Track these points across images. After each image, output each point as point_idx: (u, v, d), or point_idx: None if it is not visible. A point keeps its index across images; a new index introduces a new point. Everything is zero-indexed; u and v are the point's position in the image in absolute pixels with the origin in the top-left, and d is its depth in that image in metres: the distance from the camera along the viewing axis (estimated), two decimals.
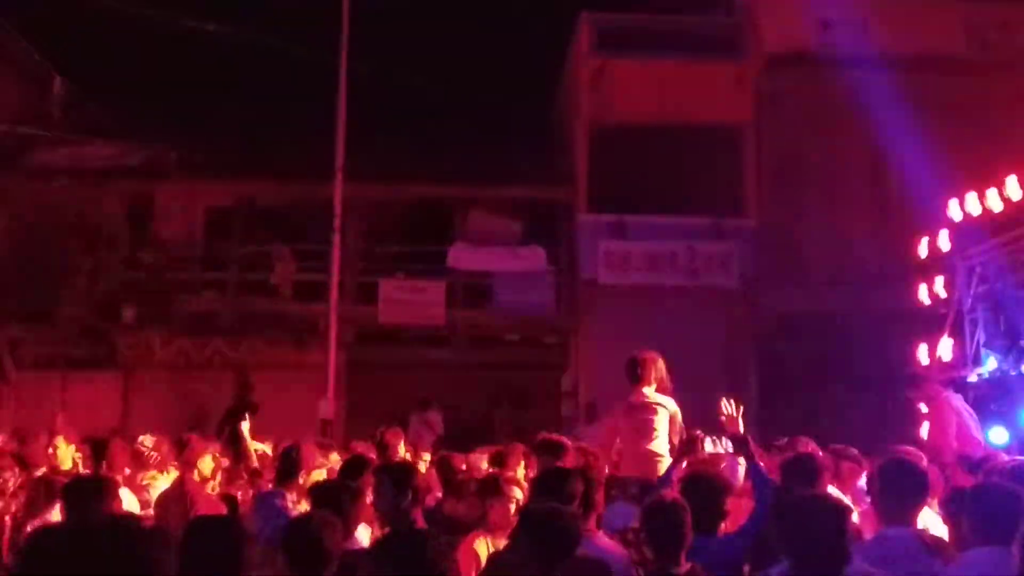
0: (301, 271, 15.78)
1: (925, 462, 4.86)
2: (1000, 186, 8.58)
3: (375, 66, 14.53)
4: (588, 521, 4.32)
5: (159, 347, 15.31)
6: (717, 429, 7.09)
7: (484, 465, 6.60)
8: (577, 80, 16.07)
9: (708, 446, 6.37)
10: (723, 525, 4.42)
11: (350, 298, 15.23)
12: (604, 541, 4.31)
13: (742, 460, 5.45)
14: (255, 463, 6.56)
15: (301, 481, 5.40)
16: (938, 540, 4.07)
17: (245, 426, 6.70)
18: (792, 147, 15.72)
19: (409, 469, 4.85)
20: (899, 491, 4.07)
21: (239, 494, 6.32)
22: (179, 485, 5.82)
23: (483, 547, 4.50)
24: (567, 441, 5.72)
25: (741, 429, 5.20)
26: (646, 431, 5.99)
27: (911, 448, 5.69)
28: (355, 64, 14.15)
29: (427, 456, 8.03)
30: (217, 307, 15.67)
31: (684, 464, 5.51)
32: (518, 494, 4.73)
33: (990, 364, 8.75)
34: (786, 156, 15.78)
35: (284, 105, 16.69)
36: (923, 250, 9.90)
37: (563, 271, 15.52)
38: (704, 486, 4.37)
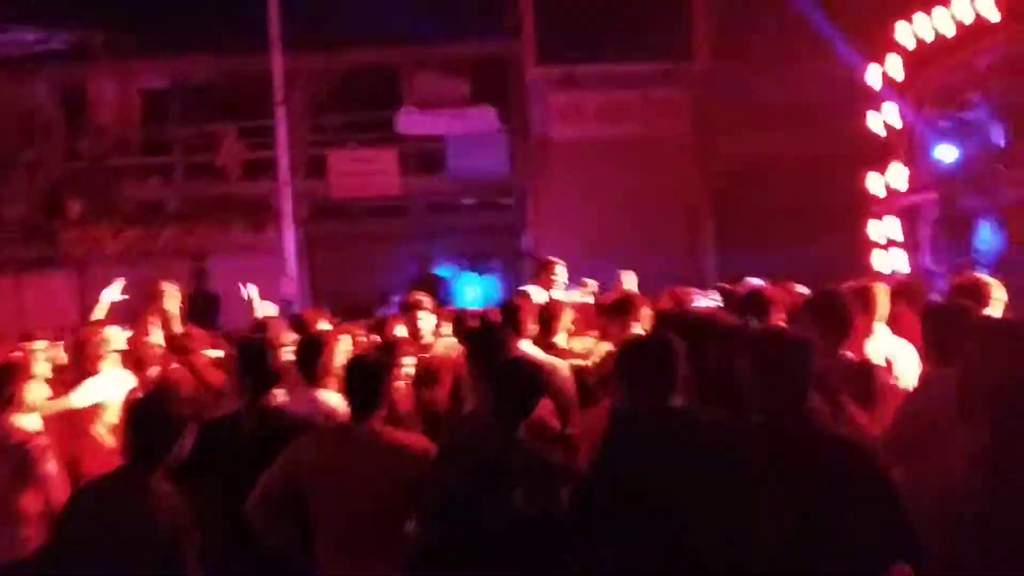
0: (248, 149, 15.38)
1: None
2: (948, 6, 8.39)
3: None
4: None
5: (109, 240, 14.98)
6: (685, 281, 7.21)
7: None
8: None
9: (698, 302, 6.39)
10: None
11: (300, 173, 14.91)
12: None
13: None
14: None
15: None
16: (866, 365, 4.22)
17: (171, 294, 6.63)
18: None
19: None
20: (824, 323, 4.21)
21: None
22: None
23: None
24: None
25: None
26: None
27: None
28: None
29: None
30: (164, 194, 15.31)
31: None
32: None
33: (942, 189, 8.80)
34: None
35: None
36: (873, 78, 9.77)
37: (515, 130, 15.24)
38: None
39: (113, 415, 5.22)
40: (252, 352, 4.52)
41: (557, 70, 14.92)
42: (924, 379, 4.06)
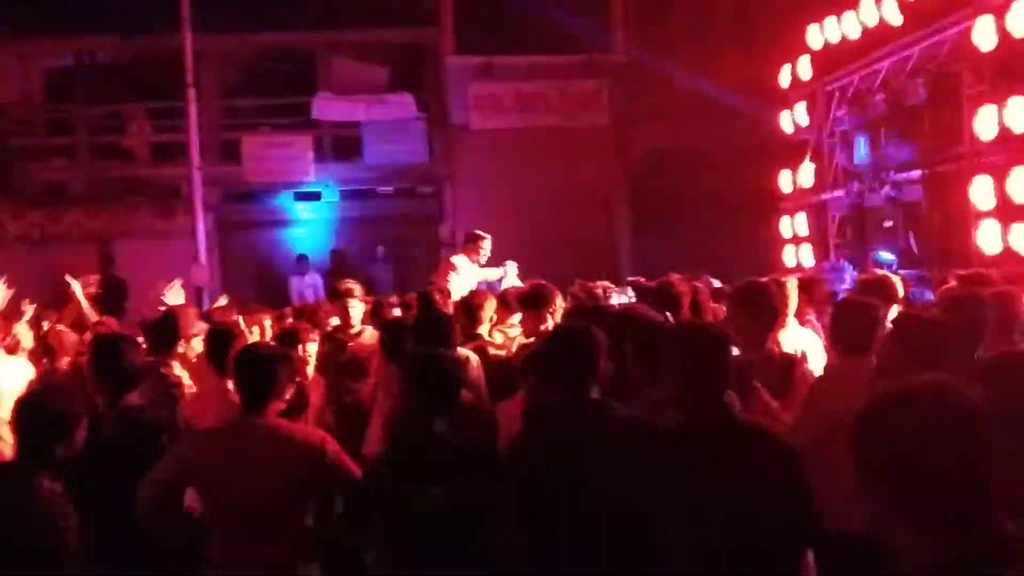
0: (157, 132, 14.94)
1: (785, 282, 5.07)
2: (857, 10, 8.69)
3: None
4: None
5: (10, 222, 14.39)
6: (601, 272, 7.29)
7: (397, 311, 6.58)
8: None
9: (614, 298, 6.44)
10: None
11: (212, 157, 14.56)
12: None
13: None
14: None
15: (181, 350, 5.24)
16: (788, 357, 4.34)
17: (77, 287, 6.50)
18: None
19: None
20: (751, 315, 4.29)
21: None
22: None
23: None
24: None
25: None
26: None
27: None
28: None
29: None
30: (69, 175, 14.77)
31: None
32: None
33: (849, 186, 9.12)
34: None
35: None
36: (785, 78, 10.05)
37: (433, 118, 15.16)
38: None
39: (6, 409, 5.04)
40: (108, 350, 4.26)
41: (475, 60, 14.92)
42: (833, 370, 4.21)
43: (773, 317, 4.39)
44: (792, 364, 4.24)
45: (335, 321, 6.26)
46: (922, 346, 3.36)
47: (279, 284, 13.93)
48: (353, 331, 6.00)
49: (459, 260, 8.16)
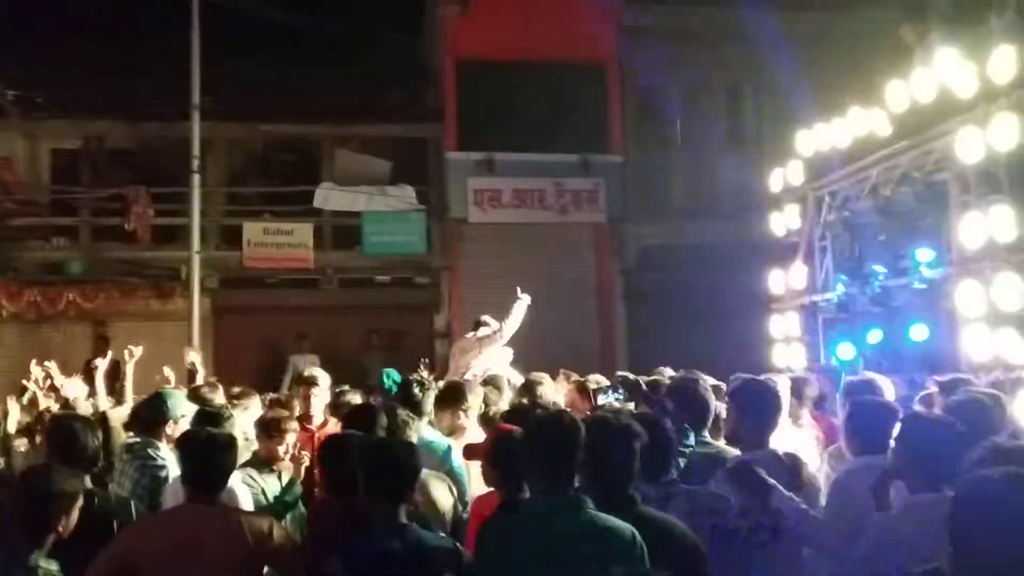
0: (159, 215, 15.15)
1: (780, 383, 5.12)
2: (845, 119, 8.96)
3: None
4: None
5: (7, 300, 14.45)
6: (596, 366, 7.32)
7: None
8: (443, 15, 15.82)
9: (602, 398, 6.42)
10: None
11: (213, 242, 14.75)
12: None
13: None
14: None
15: (169, 431, 5.22)
16: (793, 457, 4.31)
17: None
18: (656, 83, 16.04)
19: None
20: (753, 413, 4.28)
21: None
22: None
23: None
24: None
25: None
26: None
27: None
28: None
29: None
30: (69, 255, 14.91)
31: None
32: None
33: (839, 288, 9.24)
34: (650, 91, 16.08)
35: (133, 40, 15.74)
36: (776, 182, 10.28)
37: (433, 210, 15.43)
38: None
39: None
40: (63, 433, 4.18)
41: (476, 155, 15.28)
42: (848, 469, 4.23)
43: (774, 415, 4.39)
44: (799, 465, 4.20)
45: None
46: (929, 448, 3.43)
47: (276, 368, 13.91)
48: (317, 422, 5.95)
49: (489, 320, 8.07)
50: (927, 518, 3.11)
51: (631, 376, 7.01)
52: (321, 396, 6.08)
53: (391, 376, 6.10)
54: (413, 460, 3.51)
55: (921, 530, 3.16)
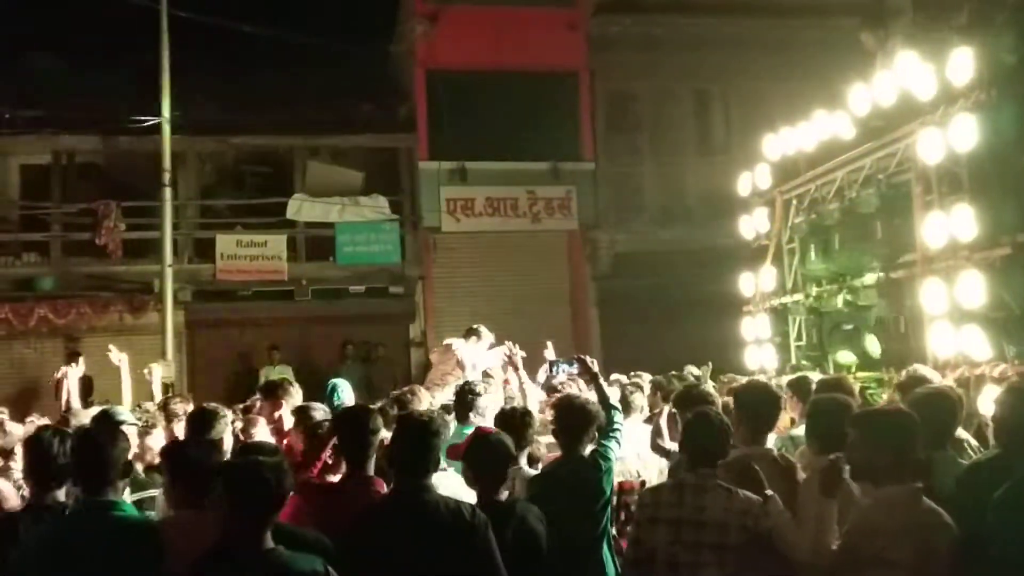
0: (131, 229, 15.06)
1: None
2: (810, 123, 9.12)
3: (202, 11, 13.76)
4: None
5: None
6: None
7: None
8: (412, 27, 15.90)
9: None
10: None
11: (185, 255, 14.70)
12: None
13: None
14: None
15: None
16: (788, 459, 4.34)
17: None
18: (625, 90, 16.22)
19: None
20: (749, 416, 4.34)
21: None
22: None
23: None
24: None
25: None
26: None
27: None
28: (178, 9, 13.42)
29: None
30: (40, 271, 14.78)
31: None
32: None
33: (808, 290, 9.38)
34: (619, 99, 16.25)
35: (103, 54, 15.67)
36: (744, 186, 10.43)
37: (406, 220, 15.47)
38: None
39: None
40: (38, 447, 3.84)
41: (448, 165, 15.35)
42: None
43: (772, 419, 4.44)
44: (792, 470, 4.19)
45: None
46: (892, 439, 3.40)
47: (249, 381, 13.86)
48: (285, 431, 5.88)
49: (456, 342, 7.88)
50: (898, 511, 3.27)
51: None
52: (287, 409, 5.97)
53: (339, 396, 6.05)
54: (282, 478, 3.19)
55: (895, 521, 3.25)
